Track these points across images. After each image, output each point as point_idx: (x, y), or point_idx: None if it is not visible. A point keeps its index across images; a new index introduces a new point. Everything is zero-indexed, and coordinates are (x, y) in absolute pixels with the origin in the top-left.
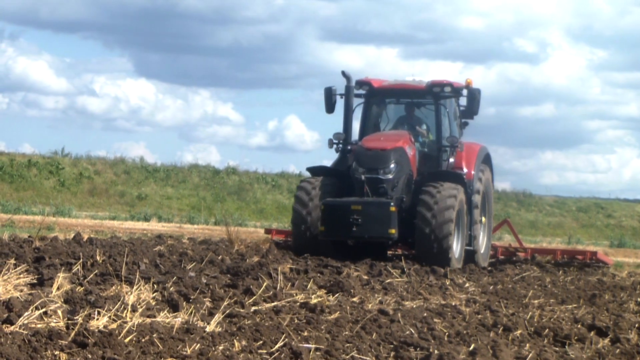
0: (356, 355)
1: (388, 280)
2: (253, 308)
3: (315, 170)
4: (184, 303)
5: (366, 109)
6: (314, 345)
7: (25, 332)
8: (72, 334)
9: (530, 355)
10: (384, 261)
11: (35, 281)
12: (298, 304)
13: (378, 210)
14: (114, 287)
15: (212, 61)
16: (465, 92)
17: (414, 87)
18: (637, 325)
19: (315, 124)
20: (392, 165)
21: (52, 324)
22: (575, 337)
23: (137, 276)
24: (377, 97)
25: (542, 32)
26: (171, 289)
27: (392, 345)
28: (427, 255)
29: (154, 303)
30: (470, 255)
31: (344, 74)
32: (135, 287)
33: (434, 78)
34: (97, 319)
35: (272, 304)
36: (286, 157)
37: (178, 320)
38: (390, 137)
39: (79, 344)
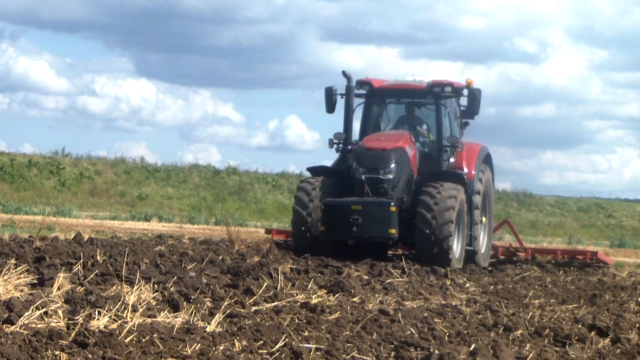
0: (357, 355)
1: (388, 280)
2: (253, 308)
3: (315, 170)
4: (185, 303)
5: (367, 108)
6: (314, 345)
7: (25, 332)
8: (73, 334)
9: (531, 355)
10: (385, 261)
11: (35, 281)
12: (298, 304)
13: (378, 210)
14: (114, 287)
15: (213, 61)
16: (465, 92)
17: (415, 87)
18: (637, 325)
19: (316, 124)
20: (393, 165)
21: (53, 324)
22: (576, 337)
23: (138, 276)
24: (377, 97)
25: (542, 32)
26: (172, 289)
27: (392, 345)
28: (427, 256)
29: (154, 303)
30: (470, 256)
31: (344, 73)
32: (135, 287)
33: (435, 78)
34: (98, 319)
35: (273, 304)
36: (287, 157)
37: (178, 320)
38: (390, 137)
39: (80, 344)
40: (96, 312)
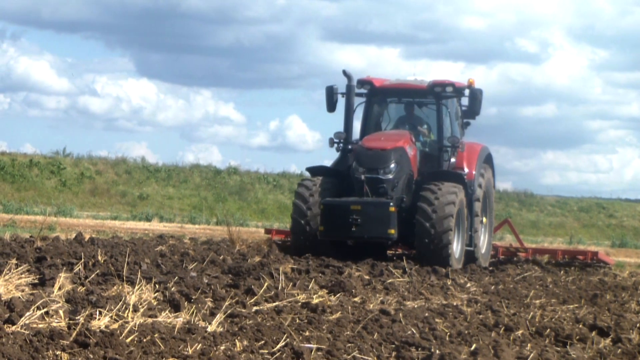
0: (358, 355)
1: (389, 280)
2: (254, 308)
3: (314, 170)
4: (186, 303)
5: (367, 108)
6: (315, 345)
7: (26, 332)
8: (74, 334)
9: (532, 355)
10: (385, 261)
11: (36, 281)
12: (299, 304)
13: (377, 211)
14: (115, 287)
15: (214, 61)
16: (467, 92)
17: (416, 87)
18: (638, 325)
19: (317, 124)
20: (393, 165)
21: (54, 324)
22: (577, 337)
23: (139, 276)
24: (378, 96)
25: (543, 32)
26: (173, 289)
27: (393, 345)
28: (426, 251)
29: (155, 303)
30: (470, 256)
31: (344, 73)
32: (136, 287)
33: (436, 78)
34: (99, 319)
35: (274, 304)
36: (287, 157)
37: (179, 320)
38: (390, 136)
39: (81, 344)
40: (97, 312)
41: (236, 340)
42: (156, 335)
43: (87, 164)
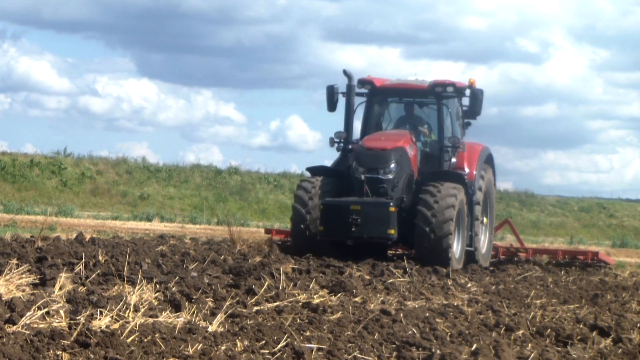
0: (358, 355)
1: (390, 280)
2: (255, 308)
3: (314, 170)
4: (186, 303)
5: (368, 108)
6: (316, 345)
7: (27, 332)
8: (75, 334)
9: (533, 355)
10: (386, 261)
11: (37, 281)
12: (300, 304)
13: (377, 211)
14: (116, 287)
15: (215, 61)
16: (468, 92)
17: (417, 87)
18: (639, 325)
19: (318, 124)
20: (393, 165)
21: (55, 324)
22: (578, 337)
23: (140, 276)
24: (379, 96)
25: (544, 32)
26: (173, 289)
27: (394, 345)
28: (426, 255)
29: (156, 303)
30: (471, 256)
31: (345, 72)
32: (137, 287)
33: (437, 78)
34: (100, 319)
35: (275, 304)
36: (288, 157)
37: (180, 320)
38: (391, 136)
39: (81, 344)
40: (98, 312)
41: (237, 340)
42: (157, 335)
43: (88, 164)
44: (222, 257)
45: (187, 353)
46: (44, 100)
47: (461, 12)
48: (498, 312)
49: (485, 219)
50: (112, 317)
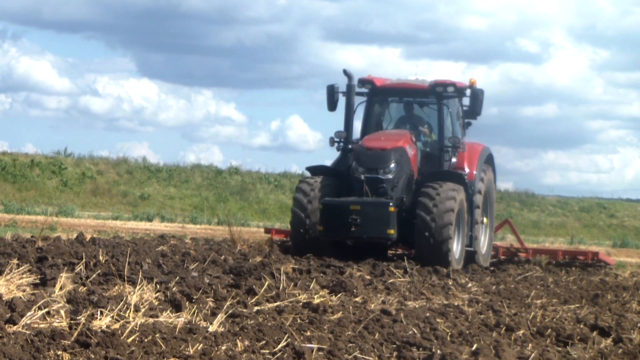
0: (359, 355)
1: (391, 280)
2: (256, 308)
3: (314, 170)
4: (187, 303)
5: (368, 107)
6: (316, 345)
7: (28, 332)
8: (75, 334)
9: (533, 355)
10: (386, 261)
11: (37, 281)
12: (301, 303)
13: (377, 211)
14: (116, 287)
15: (215, 61)
16: (468, 92)
17: (417, 87)
18: (639, 325)
19: (318, 124)
20: (392, 165)
21: (55, 324)
22: (578, 337)
23: (140, 276)
24: (379, 95)
25: (544, 32)
26: (174, 289)
27: (394, 345)
28: (426, 255)
29: (156, 303)
30: (471, 256)
31: (345, 72)
32: (138, 287)
33: (437, 78)
34: (100, 319)
35: (275, 303)
36: (289, 157)
37: (181, 320)
38: (391, 136)
39: (82, 344)
40: (98, 312)
41: (237, 340)
42: (157, 335)
43: (89, 164)
44: (222, 257)
45: (187, 353)
46: (45, 100)
47: (461, 12)
48: (498, 312)
49: (485, 219)
50: (112, 317)
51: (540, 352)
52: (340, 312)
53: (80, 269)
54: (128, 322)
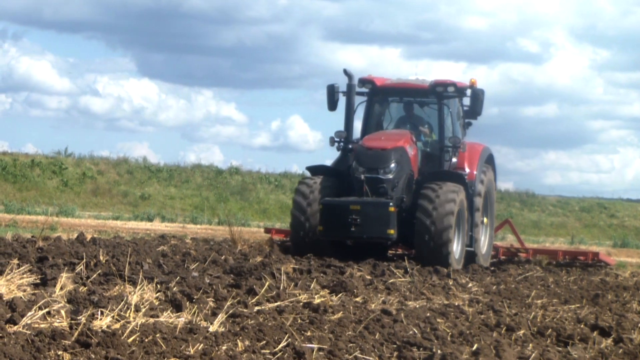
0: (359, 355)
1: (391, 280)
2: (256, 308)
3: (314, 170)
4: (187, 303)
5: (368, 107)
6: (317, 345)
7: (28, 332)
8: (76, 334)
9: (533, 355)
10: (387, 261)
11: (38, 281)
12: (301, 304)
13: (377, 211)
14: (117, 287)
15: (215, 61)
16: (469, 92)
17: (417, 87)
18: None
19: (319, 124)
20: (393, 165)
21: (56, 324)
22: (578, 337)
23: (141, 276)
24: (379, 95)
25: (545, 32)
26: (174, 289)
27: (395, 345)
28: (426, 250)
29: (157, 303)
30: (471, 256)
31: (345, 72)
32: (138, 287)
33: (438, 78)
34: (101, 319)
35: (275, 303)
36: (289, 157)
37: (181, 320)
38: (391, 136)
39: (82, 344)
40: (99, 312)
41: (238, 340)
42: (158, 335)
43: (89, 164)
44: (223, 257)
45: (188, 353)
46: (45, 100)
47: (462, 12)
48: (499, 312)
49: (485, 219)
50: (113, 317)
51: (540, 352)
52: (341, 312)
53: (81, 269)
54: (128, 322)
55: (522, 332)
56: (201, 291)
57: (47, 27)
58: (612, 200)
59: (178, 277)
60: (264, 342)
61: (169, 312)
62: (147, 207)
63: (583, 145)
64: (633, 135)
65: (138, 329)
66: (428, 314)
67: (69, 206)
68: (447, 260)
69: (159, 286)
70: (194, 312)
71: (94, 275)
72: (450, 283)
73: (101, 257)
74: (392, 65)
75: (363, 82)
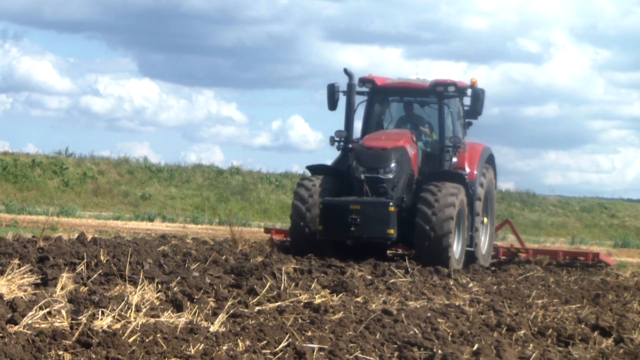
0: (360, 355)
1: (392, 280)
2: (257, 308)
3: (315, 169)
4: (188, 303)
5: (369, 107)
6: (317, 345)
7: (29, 332)
8: (76, 334)
9: (534, 355)
10: (388, 261)
11: (39, 281)
12: (302, 303)
13: (377, 210)
14: (117, 287)
15: (216, 61)
16: (469, 92)
17: (418, 86)
18: None
19: (319, 124)
20: (393, 165)
21: (56, 324)
22: (579, 337)
23: (141, 276)
24: (380, 95)
25: (545, 32)
26: (175, 289)
27: (395, 345)
28: (426, 254)
29: (157, 303)
30: (471, 256)
31: (346, 71)
32: (139, 287)
33: (438, 78)
34: (101, 319)
35: (276, 303)
36: (290, 157)
37: (182, 320)
38: (391, 136)
39: (83, 344)
40: (100, 312)
41: (238, 340)
42: (158, 335)
43: (90, 164)
44: (223, 257)
45: (188, 353)
46: (46, 100)
47: (462, 12)
48: (500, 312)
49: (485, 219)
50: (113, 317)
51: (541, 352)
52: (342, 312)
53: (82, 269)
54: (129, 322)
55: (522, 332)
56: (202, 291)
57: (47, 27)
58: (612, 201)
59: (179, 277)
60: (265, 342)
61: (169, 312)
62: (147, 207)
63: (584, 145)
64: (633, 135)
65: (139, 329)
66: (429, 314)
67: (70, 206)
68: (447, 260)
69: (159, 286)
70: (195, 312)
71: (95, 275)
72: (451, 283)
73: (102, 257)
74: (393, 65)
75: (363, 81)
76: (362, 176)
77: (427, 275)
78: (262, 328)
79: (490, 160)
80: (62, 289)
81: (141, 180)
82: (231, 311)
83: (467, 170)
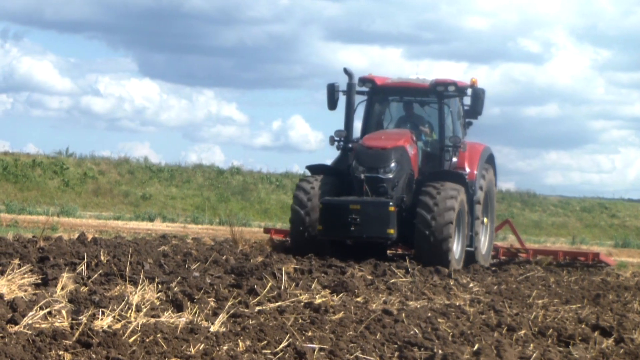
0: (360, 355)
1: (392, 280)
2: (257, 308)
3: (314, 169)
4: (188, 303)
5: (369, 106)
6: (318, 345)
7: (29, 332)
8: (77, 334)
9: (534, 355)
10: (388, 261)
11: (39, 281)
12: (302, 304)
13: (377, 210)
14: (118, 287)
15: (217, 61)
16: (469, 91)
17: (418, 86)
18: None
19: (320, 124)
20: (393, 165)
21: (57, 324)
22: (579, 337)
23: (142, 276)
24: (380, 94)
25: (546, 32)
26: (175, 289)
27: (396, 345)
28: (426, 255)
29: (158, 303)
30: (471, 256)
31: (346, 71)
32: (139, 287)
33: (438, 77)
34: (102, 319)
35: (277, 304)
36: (290, 157)
37: (182, 320)
38: (391, 135)
39: (83, 344)
40: (100, 312)
41: (239, 340)
42: (159, 335)
43: (90, 164)
44: (224, 257)
45: (189, 353)
46: (46, 100)
47: (463, 12)
48: (500, 312)
49: (485, 219)
50: (114, 317)
51: (541, 352)
52: (342, 312)
53: (82, 269)
54: (129, 322)
55: (523, 332)
56: (202, 291)
57: (48, 27)
58: (613, 201)
59: (179, 277)
60: (265, 342)
61: (170, 312)
62: (148, 207)
63: (584, 145)
64: (634, 136)
65: (139, 329)
66: (429, 314)
67: (70, 206)
68: (447, 260)
69: (160, 286)
70: (195, 312)
71: (95, 275)
72: (452, 283)
73: (102, 257)
74: (394, 65)
75: (363, 81)
76: (362, 176)
77: (427, 275)
78: (262, 328)
79: (490, 160)
80: (62, 289)
81: (142, 180)
82: (231, 311)
83: (467, 170)
